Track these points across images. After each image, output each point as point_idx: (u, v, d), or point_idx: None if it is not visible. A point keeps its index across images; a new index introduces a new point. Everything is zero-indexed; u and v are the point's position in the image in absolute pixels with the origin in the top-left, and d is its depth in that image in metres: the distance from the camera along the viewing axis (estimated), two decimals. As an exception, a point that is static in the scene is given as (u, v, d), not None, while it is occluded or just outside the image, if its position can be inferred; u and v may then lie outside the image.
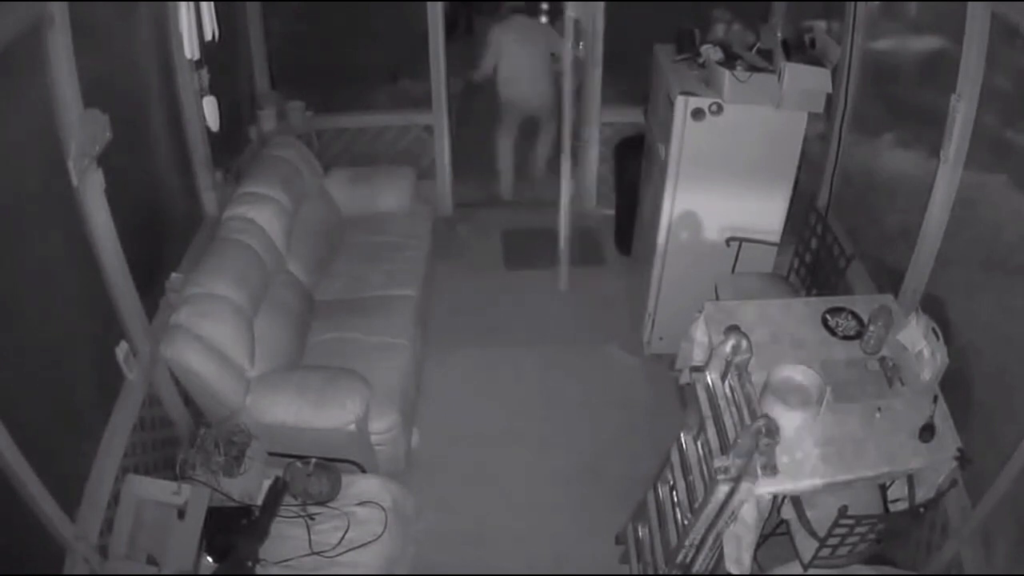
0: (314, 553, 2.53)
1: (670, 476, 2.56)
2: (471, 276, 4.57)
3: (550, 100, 4.89)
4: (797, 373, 2.57)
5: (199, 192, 3.46)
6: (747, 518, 2.35)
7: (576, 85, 4.38)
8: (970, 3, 2.44)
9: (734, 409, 2.26)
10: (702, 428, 2.35)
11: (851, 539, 2.38)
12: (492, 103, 5.01)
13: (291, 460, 2.71)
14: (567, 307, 4.34)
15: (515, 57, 4.80)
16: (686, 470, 2.44)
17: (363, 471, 2.91)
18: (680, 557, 2.42)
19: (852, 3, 3.38)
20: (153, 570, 2.37)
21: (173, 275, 3.04)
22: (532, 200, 5.13)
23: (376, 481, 2.81)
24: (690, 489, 2.39)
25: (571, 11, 4.28)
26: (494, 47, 4.80)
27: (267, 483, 2.66)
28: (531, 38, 4.83)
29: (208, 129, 3.31)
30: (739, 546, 2.39)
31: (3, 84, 2.03)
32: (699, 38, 3.38)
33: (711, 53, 3.26)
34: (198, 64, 3.18)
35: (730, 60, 3.19)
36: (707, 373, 2.38)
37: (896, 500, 2.59)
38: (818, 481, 2.34)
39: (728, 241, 3.53)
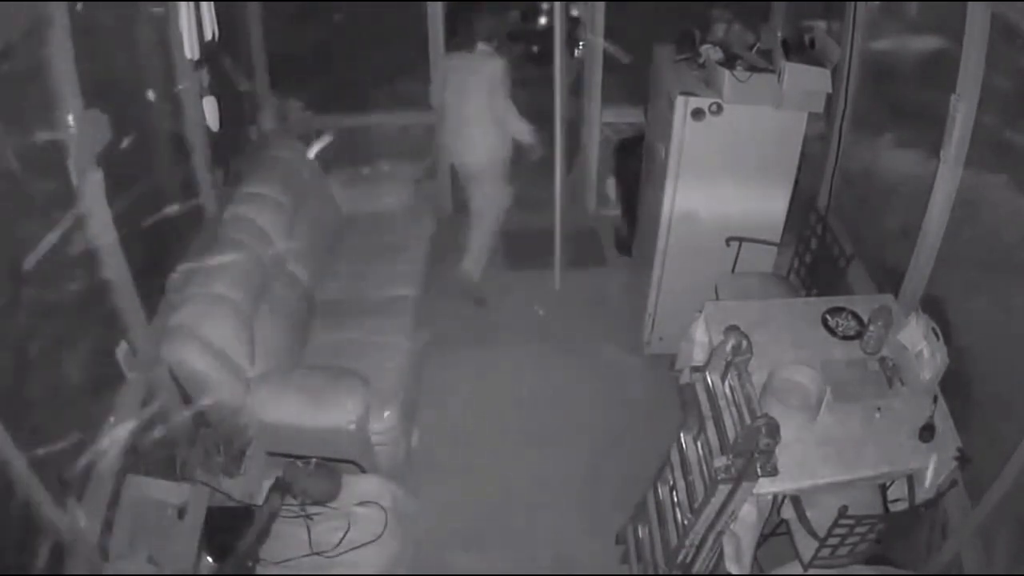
0: (314, 553, 2.53)
1: (670, 476, 2.56)
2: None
3: (486, 163, 4.01)
4: (797, 373, 2.57)
5: (199, 192, 3.45)
6: (747, 518, 2.35)
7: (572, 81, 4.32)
8: (970, 3, 2.44)
9: (734, 409, 2.26)
10: (702, 428, 2.35)
11: (851, 539, 2.38)
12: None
13: (291, 460, 2.71)
14: (567, 307, 4.34)
15: (450, 104, 3.93)
16: (686, 470, 2.44)
17: (363, 471, 2.90)
18: (680, 557, 2.42)
19: (852, 3, 3.38)
20: (153, 570, 2.37)
21: (173, 275, 3.04)
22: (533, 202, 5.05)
23: (376, 481, 2.81)
24: (690, 489, 2.39)
25: (574, 10, 4.25)
26: (437, 83, 4.05)
27: (267, 483, 2.66)
28: (467, 82, 3.82)
29: (208, 129, 3.31)
30: (739, 546, 2.40)
31: (3, 84, 2.03)
32: (699, 38, 3.38)
33: (711, 53, 3.26)
34: (198, 64, 3.18)
35: (730, 60, 3.19)
36: (707, 373, 2.39)
37: (896, 500, 2.59)
38: (818, 481, 2.35)
39: (728, 241, 3.53)
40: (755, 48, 3.25)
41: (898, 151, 3.33)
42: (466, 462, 3.43)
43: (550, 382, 3.85)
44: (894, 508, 2.58)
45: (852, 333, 2.80)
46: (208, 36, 3.07)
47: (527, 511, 3.24)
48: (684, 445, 2.47)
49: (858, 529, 2.34)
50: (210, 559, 2.45)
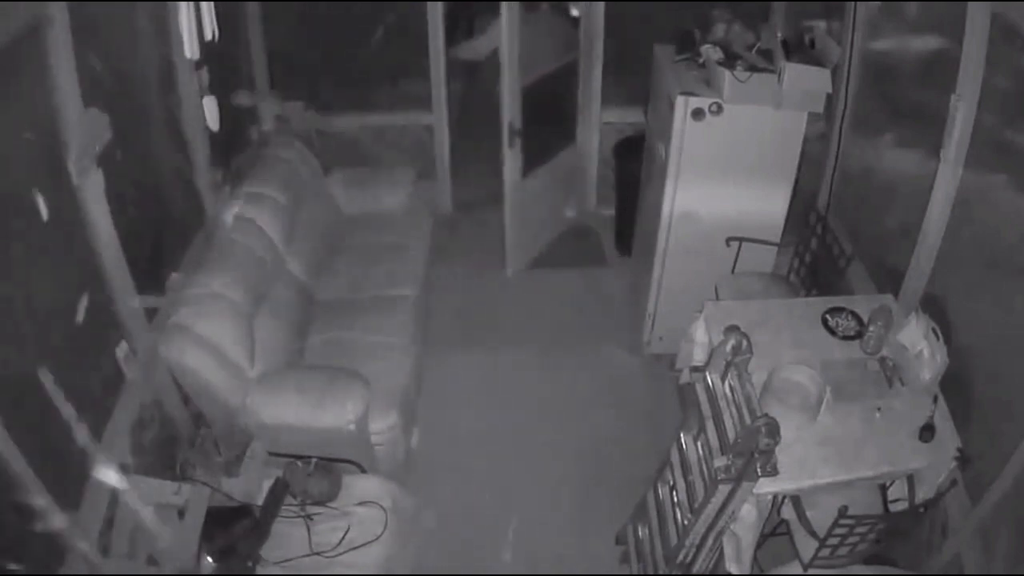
0: (314, 553, 2.53)
1: (670, 476, 2.56)
2: (471, 276, 4.58)
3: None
4: (797, 373, 2.57)
5: (199, 192, 3.45)
6: (747, 518, 2.35)
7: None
8: (970, 3, 2.44)
9: (734, 409, 2.26)
10: (702, 428, 2.35)
11: (851, 539, 2.38)
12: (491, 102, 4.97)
13: (291, 460, 2.71)
14: (567, 307, 4.34)
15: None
16: (686, 470, 2.44)
17: (363, 471, 2.90)
18: (680, 557, 2.42)
19: (852, 3, 3.38)
20: (153, 570, 2.37)
21: (173, 275, 3.04)
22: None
23: (376, 481, 2.81)
24: (690, 489, 2.39)
25: (574, 10, 4.29)
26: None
27: (267, 483, 2.66)
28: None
29: (208, 129, 3.31)
30: (739, 546, 2.40)
31: (3, 84, 2.03)
32: (699, 38, 3.38)
33: (711, 53, 3.26)
34: (198, 64, 3.18)
35: (730, 60, 3.19)
36: (707, 373, 2.39)
37: (896, 500, 2.59)
38: (818, 481, 2.35)
39: (728, 241, 3.53)
40: (755, 48, 3.25)
41: (898, 151, 3.32)
42: (466, 462, 3.43)
43: (550, 382, 3.86)
44: (894, 508, 2.58)
45: (852, 333, 2.80)
46: (208, 36, 3.06)
47: (527, 511, 3.24)
48: (684, 445, 2.47)
49: (858, 529, 2.34)
50: (210, 559, 2.45)
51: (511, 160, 4.19)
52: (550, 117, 4.55)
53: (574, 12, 4.54)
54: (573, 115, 4.65)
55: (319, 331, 3.44)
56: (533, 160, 4.38)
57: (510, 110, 4.03)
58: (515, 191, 4.31)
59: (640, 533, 2.82)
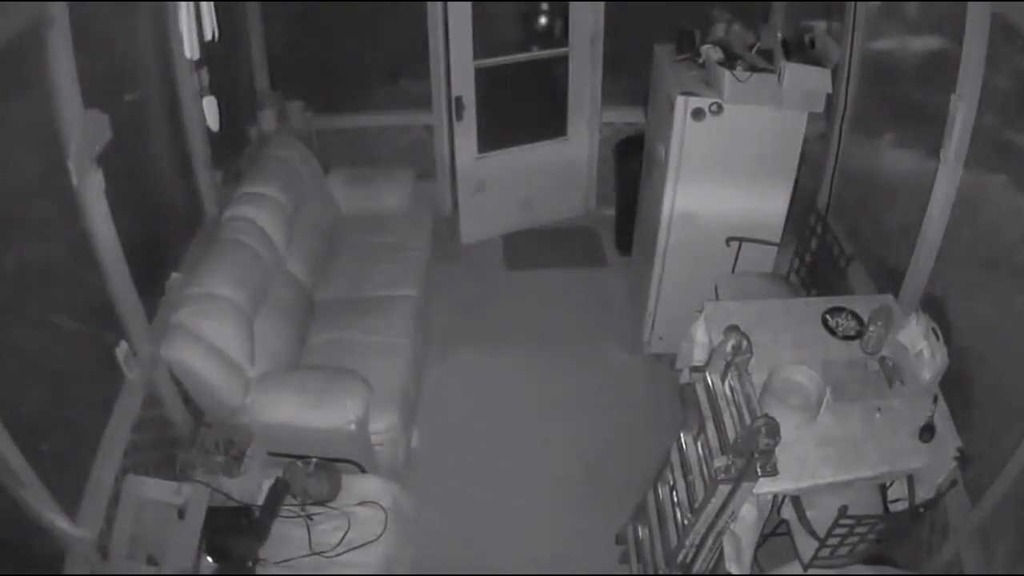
0: (314, 553, 2.53)
1: (670, 476, 2.56)
2: (471, 276, 4.57)
3: None
4: (797, 373, 2.58)
5: (199, 192, 3.46)
6: (747, 518, 2.35)
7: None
8: (970, 3, 2.44)
9: (734, 409, 2.26)
10: (702, 428, 2.35)
11: (851, 539, 2.38)
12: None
13: (291, 460, 2.71)
14: (567, 307, 4.34)
15: None
16: (686, 470, 2.44)
17: (363, 471, 2.91)
18: (680, 557, 2.42)
19: (852, 3, 3.38)
20: (153, 570, 2.37)
21: (173, 275, 3.04)
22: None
23: (376, 481, 2.81)
24: (690, 489, 2.40)
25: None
26: None
27: (267, 483, 2.66)
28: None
29: (208, 129, 3.31)
30: (739, 546, 2.40)
31: (3, 84, 2.03)
32: (699, 38, 3.38)
33: (711, 53, 3.26)
34: (198, 64, 3.18)
35: (730, 60, 3.19)
36: (707, 373, 2.38)
37: (896, 500, 2.59)
38: (818, 481, 2.35)
39: (728, 241, 3.53)
40: (755, 48, 3.25)
41: (898, 151, 3.32)
42: (466, 462, 3.43)
43: (550, 382, 3.86)
44: (894, 508, 2.58)
45: (852, 333, 2.80)
46: (208, 36, 3.06)
47: (527, 511, 3.24)
48: (684, 445, 2.47)
49: (858, 529, 2.34)
50: (210, 559, 2.45)
51: (461, 132, 4.44)
52: (526, 105, 4.68)
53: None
54: (561, 110, 4.67)
55: (319, 331, 3.44)
56: (496, 140, 4.57)
57: (459, 85, 4.25)
58: (466, 162, 4.57)
59: (640, 533, 2.82)
